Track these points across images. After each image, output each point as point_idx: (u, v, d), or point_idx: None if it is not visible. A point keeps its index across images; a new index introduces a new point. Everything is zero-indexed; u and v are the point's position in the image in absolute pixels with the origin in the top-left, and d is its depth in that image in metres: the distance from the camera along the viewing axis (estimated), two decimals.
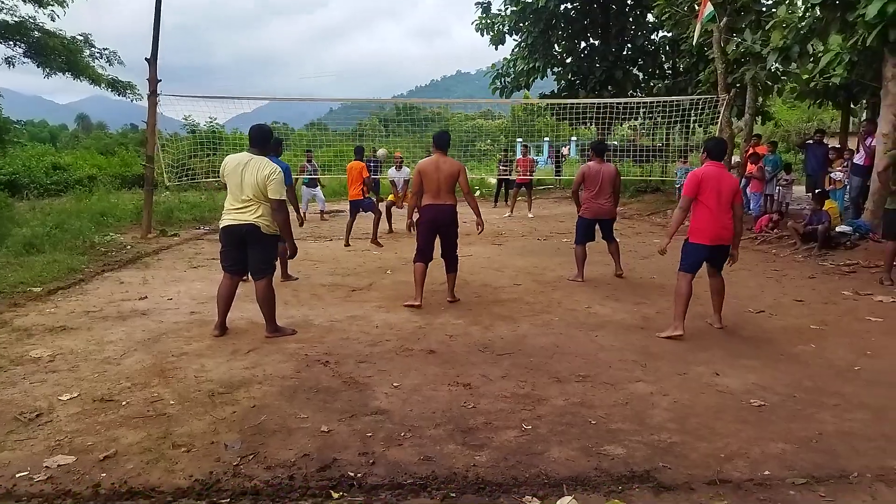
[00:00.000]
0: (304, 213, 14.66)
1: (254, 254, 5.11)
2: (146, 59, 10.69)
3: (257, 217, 4.99)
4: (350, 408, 3.73)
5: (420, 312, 5.98)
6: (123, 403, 3.78)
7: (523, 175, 15.41)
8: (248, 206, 4.97)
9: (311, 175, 14.61)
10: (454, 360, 4.61)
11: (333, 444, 3.27)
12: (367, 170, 10.39)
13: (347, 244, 10.28)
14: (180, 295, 6.70)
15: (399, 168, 12.42)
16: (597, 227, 7.61)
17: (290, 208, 5.68)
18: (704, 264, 5.33)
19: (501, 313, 5.95)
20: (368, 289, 7.07)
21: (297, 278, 7.52)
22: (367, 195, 10.46)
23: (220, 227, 5.16)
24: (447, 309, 6.08)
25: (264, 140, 5.18)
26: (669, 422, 3.53)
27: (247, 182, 4.93)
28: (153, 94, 10.87)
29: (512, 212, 15.28)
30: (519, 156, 16.19)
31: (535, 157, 26.91)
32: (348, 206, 10.67)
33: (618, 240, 7.85)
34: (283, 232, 5.19)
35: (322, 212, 14.98)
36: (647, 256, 9.18)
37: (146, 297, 6.62)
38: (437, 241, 6.26)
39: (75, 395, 3.90)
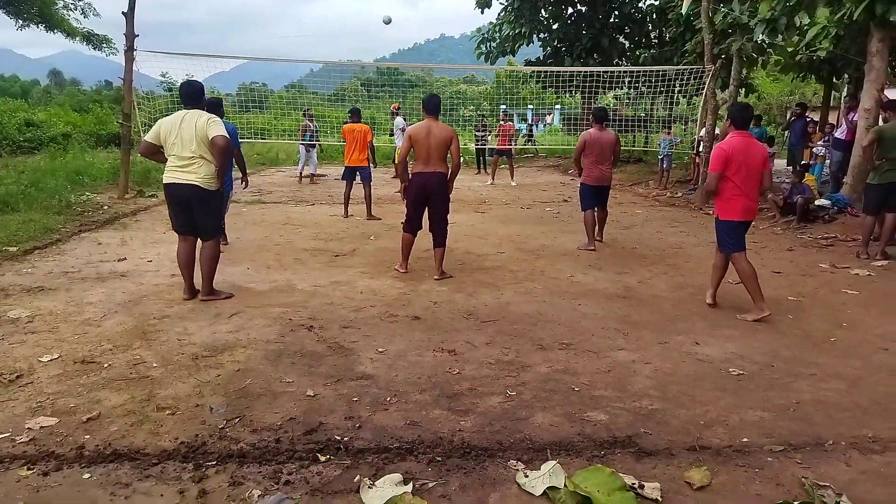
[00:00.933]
0: (301, 174, 14.60)
1: (200, 216, 5.03)
2: (123, 12, 10.34)
3: (200, 176, 4.87)
4: (335, 372, 3.74)
5: (404, 278, 5.97)
6: (105, 365, 3.74)
7: (501, 142, 15.26)
8: (192, 163, 4.86)
9: (311, 135, 14.51)
10: (439, 326, 4.63)
11: (319, 408, 3.28)
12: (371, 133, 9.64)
13: (347, 214, 9.66)
14: (160, 257, 6.61)
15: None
16: None
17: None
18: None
19: (485, 281, 5.96)
20: (352, 254, 7.04)
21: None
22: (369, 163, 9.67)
23: (164, 183, 5.01)
24: (432, 275, 6.07)
25: (197, 96, 5.06)
26: (651, 389, 3.59)
27: (186, 138, 4.82)
28: (130, 50, 10.53)
29: (493, 180, 15.21)
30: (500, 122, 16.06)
31: (519, 126, 26.84)
32: (345, 172, 9.64)
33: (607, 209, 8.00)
34: (220, 169, 4.95)
35: (312, 175, 14.83)
36: (629, 226, 9.25)
37: (125, 258, 6.53)
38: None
39: (56, 356, 3.85)
